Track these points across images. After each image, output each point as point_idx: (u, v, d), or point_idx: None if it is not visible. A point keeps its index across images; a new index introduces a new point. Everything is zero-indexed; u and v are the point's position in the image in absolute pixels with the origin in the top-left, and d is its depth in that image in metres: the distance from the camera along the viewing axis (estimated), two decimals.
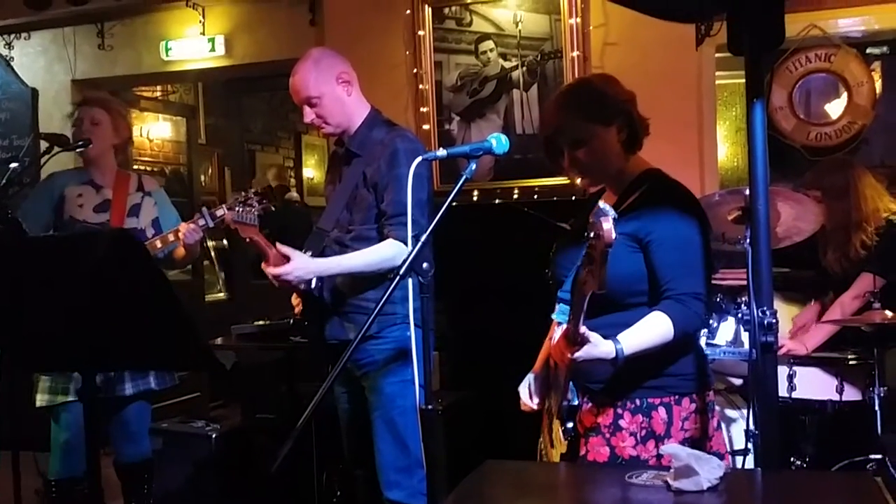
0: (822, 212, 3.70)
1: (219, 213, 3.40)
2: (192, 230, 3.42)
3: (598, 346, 2.10)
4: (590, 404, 2.35)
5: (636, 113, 2.37)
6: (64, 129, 3.73)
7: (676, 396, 2.30)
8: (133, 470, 3.66)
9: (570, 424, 2.32)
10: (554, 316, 2.46)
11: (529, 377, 2.56)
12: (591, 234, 1.82)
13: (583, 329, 2.04)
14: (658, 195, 2.32)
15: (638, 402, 2.29)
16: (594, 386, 2.34)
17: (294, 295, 3.13)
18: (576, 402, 2.32)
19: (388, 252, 2.89)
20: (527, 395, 2.54)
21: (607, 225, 1.78)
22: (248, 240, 2.91)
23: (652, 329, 2.19)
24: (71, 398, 3.41)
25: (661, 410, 2.29)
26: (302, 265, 2.91)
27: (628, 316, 2.23)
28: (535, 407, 2.52)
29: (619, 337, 2.15)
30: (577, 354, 2.09)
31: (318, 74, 3.03)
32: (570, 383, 2.29)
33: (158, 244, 3.45)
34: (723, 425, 2.50)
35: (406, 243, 2.77)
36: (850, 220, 3.77)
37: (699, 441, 2.31)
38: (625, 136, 2.35)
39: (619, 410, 2.30)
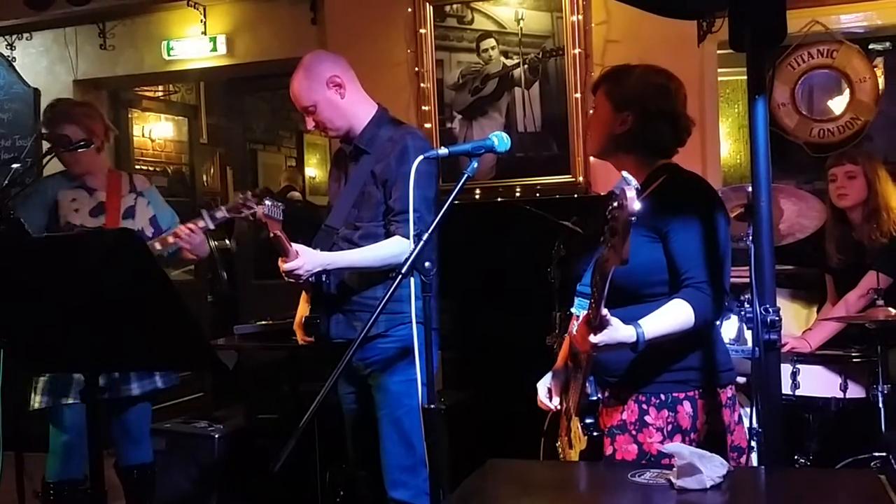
0: (861, 185, 3.78)
1: (219, 214, 3.36)
2: (191, 234, 3.36)
3: (619, 330, 2.10)
4: (611, 399, 2.35)
5: (664, 126, 2.37)
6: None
7: (701, 390, 2.31)
8: (135, 472, 3.64)
9: (589, 420, 2.32)
10: (573, 310, 2.46)
11: (548, 375, 2.56)
12: (615, 205, 1.78)
13: (604, 311, 2.03)
14: (676, 186, 2.34)
15: (663, 397, 2.29)
16: (614, 380, 2.34)
17: (300, 325, 3.14)
18: (595, 398, 2.31)
19: (395, 249, 2.89)
20: (544, 392, 2.54)
21: (630, 193, 1.74)
22: (272, 235, 2.92)
23: (672, 315, 2.19)
24: (72, 400, 3.39)
25: (687, 405, 2.29)
26: (310, 259, 2.91)
27: (648, 308, 2.22)
28: (553, 407, 2.52)
29: (639, 321, 2.15)
30: (597, 338, 2.07)
31: (309, 83, 3.02)
32: (592, 378, 2.29)
33: (158, 246, 3.39)
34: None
35: (406, 237, 2.78)
36: (879, 202, 3.78)
37: (722, 435, 2.31)
38: (628, 130, 2.36)
39: (645, 406, 2.30)
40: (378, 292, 2.99)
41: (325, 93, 3.02)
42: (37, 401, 3.44)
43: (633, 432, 2.31)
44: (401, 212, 2.92)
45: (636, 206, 1.74)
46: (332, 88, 3.03)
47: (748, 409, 3.40)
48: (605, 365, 2.32)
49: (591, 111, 2.52)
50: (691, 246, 2.26)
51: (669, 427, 2.29)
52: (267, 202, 3.02)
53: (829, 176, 3.91)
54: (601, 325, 2.06)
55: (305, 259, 2.89)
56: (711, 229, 2.28)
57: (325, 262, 2.95)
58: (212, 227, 3.38)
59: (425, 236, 2.24)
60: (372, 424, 3.05)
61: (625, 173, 1.81)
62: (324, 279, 3.03)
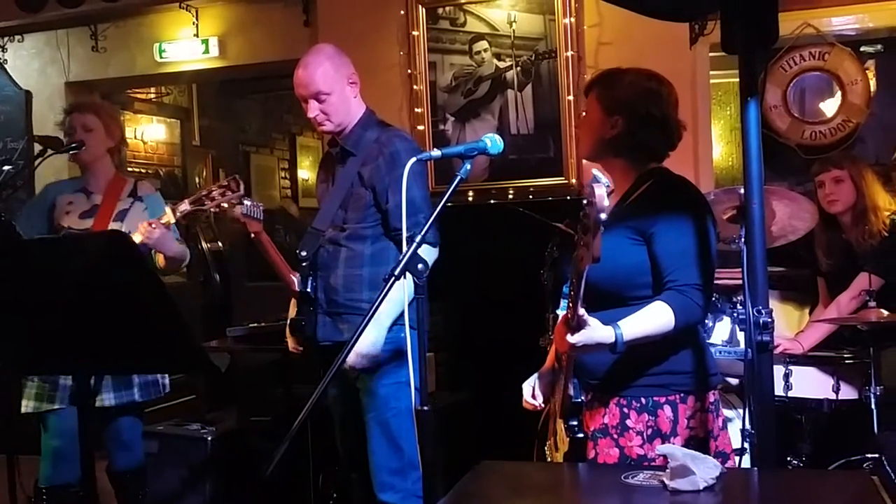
0: (849, 189, 3.79)
1: (181, 207, 3.35)
2: (150, 229, 3.29)
3: (597, 330, 2.10)
4: (594, 402, 2.36)
5: (656, 131, 2.39)
6: (58, 133, 3.70)
7: (682, 394, 2.30)
8: (126, 477, 3.63)
9: (572, 422, 2.32)
10: (559, 311, 2.47)
11: (534, 376, 2.56)
12: (585, 202, 1.79)
13: (581, 311, 2.03)
14: (662, 190, 2.34)
15: (643, 400, 2.30)
16: (596, 382, 2.34)
17: (292, 343, 3.13)
18: (579, 400, 2.31)
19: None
20: (529, 392, 2.54)
21: (599, 191, 1.75)
22: (253, 235, 2.91)
23: (652, 317, 2.19)
24: (57, 405, 3.37)
25: (667, 409, 2.29)
26: (371, 344, 2.89)
27: (633, 311, 2.22)
28: (537, 405, 2.52)
29: (619, 323, 2.15)
30: (575, 338, 2.07)
31: (334, 73, 3.04)
32: (575, 380, 2.29)
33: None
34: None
35: (428, 242, 2.77)
36: (867, 204, 3.78)
37: (704, 440, 2.31)
38: (617, 133, 2.37)
39: (626, 410, 2.31)
40: (363, 295, 2.99)
41: (344, 86, 3.06)
42: (24, 405, 3.43)
43: (615, 436, 2.31)
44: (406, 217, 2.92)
45: (605, 203, 1.75)
46: (350, 86, 3.08)
47: (741, 411, 3.41)
48: (588, 367, 2.32)
49: (583, 113, 2.50)
50: (675, 248, 2.26)
51: (650, 431, 2.29)
52: (246, 202, 3.02)
53: (816, 183, 3.92)
54: (579, 325, 2.06)
55: (369, 351, 2.87)
56: (696, 232, 2.27)
57: (378, 336, 2.90)
58: (173, 220, 3.35)
59: (418, 238, 2.23)
60: (361, 427, 3.05)
61: (595, 171, 1.81)
62: (310, 282, 3.03)
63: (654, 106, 2.38)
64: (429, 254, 2.81)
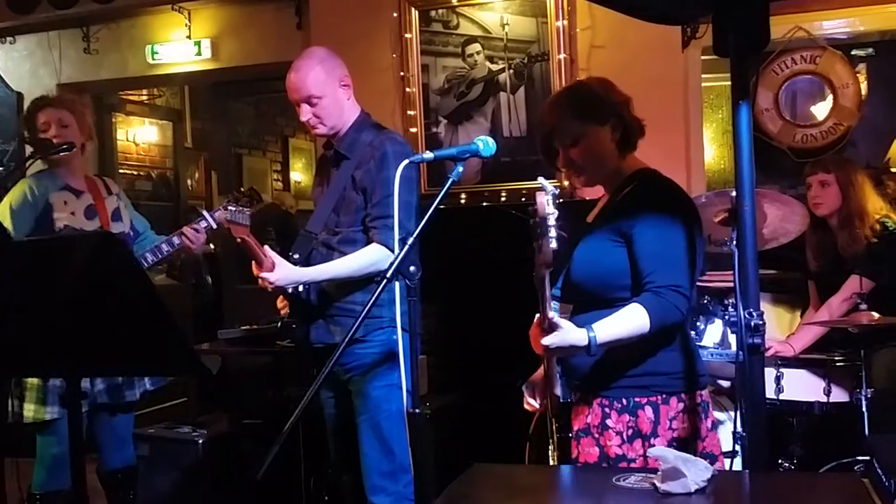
0: (835, 193, 3.78)
1: (217, 214, 3.36)
2: (196, 234, 3.36)
3: (570, 333, 2.12)
4: (579, 402, 2.37)
5: (630, 114, 2.40)
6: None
7: (664, 395, 2.30)
8: (118, 476, 3.62)
9: (561, 422, 2.33)
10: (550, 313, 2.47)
11: (534, 377, 2.56)
12: (532, 210, 1.92)
13: (551, 314, 2.07)
14: (645, 191, 2.34)
15: (624, 401, 2.30)
16: (579, 383, 2.36)
17: (280, 297, 3.13)
18: (565, 400, 2.32)
19: (373, 257, 2.90)
20: (531, 393, 2.54)
21: (540, 198, 1.88)
22: (239, 240, 2.91)
23: (627, 320, 2.19)
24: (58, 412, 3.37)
25: (648, 409, 2.29)
26: (285, 273, 2.91)
27: (612, 312, 2.22)
28: (538, 406, 2.53)
29: (593, 325, 2.16)
30: (547, 340, 2.10)
31: (326, 76, 3.03)
32: (563, 381, 2.29)
33: (165, 248, 3.39)
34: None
35: (390, 247, 2.78)
36: (853, 209, 3.78)
37: (688, 441, 2.31)
38: (619, 136, 2.37)
39: (607, 410, 2.31)
40: (356, 297, 2.99)
41: (336, 89, 3.05)
42: (46, 411, 3.36)
43: (596, 435, 2.32)
44: (378, 217, 2.92)
45: (546, 209, 1.86)
46: (343, 88, 3.07)
47: (732, 413, 3.42)
48: (573, 368, 2.34)
49: (571, 155, 2.40)
50: (653, 249, 2.25)
51: (630, 431, 2.29)
52: (230, 207, 3.01)
53: (805, 185, 3.93)
54: (550, 327, 2.09)
55: (281, 274, 2.89)
56: (676, 233, 2.27)
57: (300, 278, 2.95)
58: (214, 226, 3.38)
59: (410, 241, 2.24)
60: (353, 429, 3.05)
61: (541, 179, 1.92)
62: (300, 288, 3.03)
63: (622, 95, 2.42)
64: (387, 259, 2.79)
